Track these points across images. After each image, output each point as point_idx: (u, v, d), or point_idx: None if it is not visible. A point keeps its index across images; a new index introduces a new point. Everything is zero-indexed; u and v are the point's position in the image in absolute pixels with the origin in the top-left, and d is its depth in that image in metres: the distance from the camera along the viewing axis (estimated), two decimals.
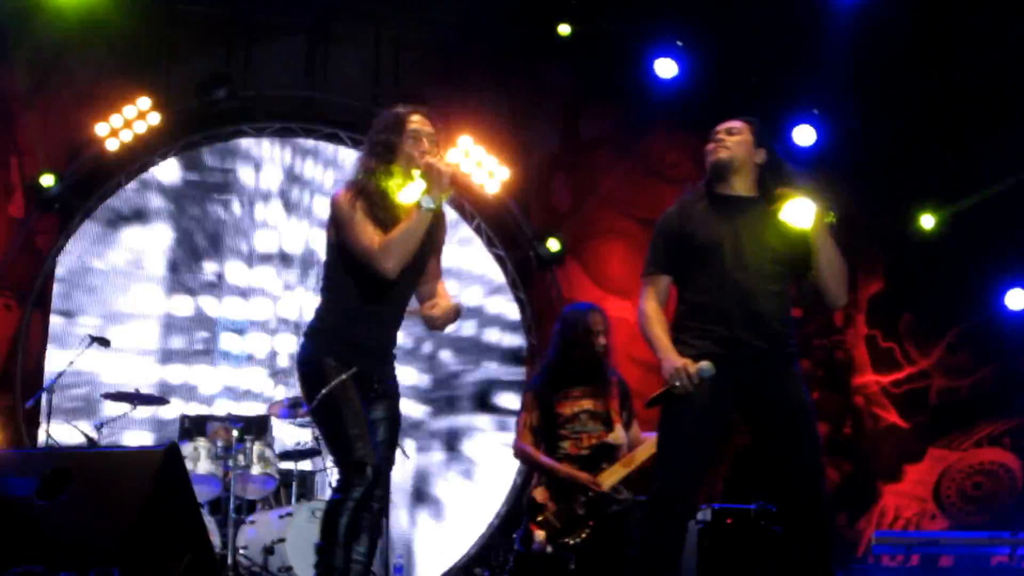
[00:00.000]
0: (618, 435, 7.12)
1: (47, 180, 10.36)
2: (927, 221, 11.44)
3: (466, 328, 11.65)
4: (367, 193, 5.21)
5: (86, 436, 9.47)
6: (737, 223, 5.34)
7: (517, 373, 11.66)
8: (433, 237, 5.35)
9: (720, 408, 5.25)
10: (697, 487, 5.36)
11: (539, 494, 7.05)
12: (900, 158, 11.50)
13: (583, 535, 6.94)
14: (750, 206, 5.39)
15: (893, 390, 11.80)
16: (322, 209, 11.27)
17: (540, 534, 6.93)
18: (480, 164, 11.39)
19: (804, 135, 11.36)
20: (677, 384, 5.09)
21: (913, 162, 11.50)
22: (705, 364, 5.11)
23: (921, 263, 11.68)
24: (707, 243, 5.31)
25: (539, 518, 6.98)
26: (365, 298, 5.24)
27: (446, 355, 11.63)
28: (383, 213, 5.14)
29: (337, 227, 5.22)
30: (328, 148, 11.54)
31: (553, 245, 11.57)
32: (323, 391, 5.12)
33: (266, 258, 11.36)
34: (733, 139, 5.42)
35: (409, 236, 5.09)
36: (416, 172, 5.19)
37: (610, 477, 6.98)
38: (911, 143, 11.45)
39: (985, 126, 11.09)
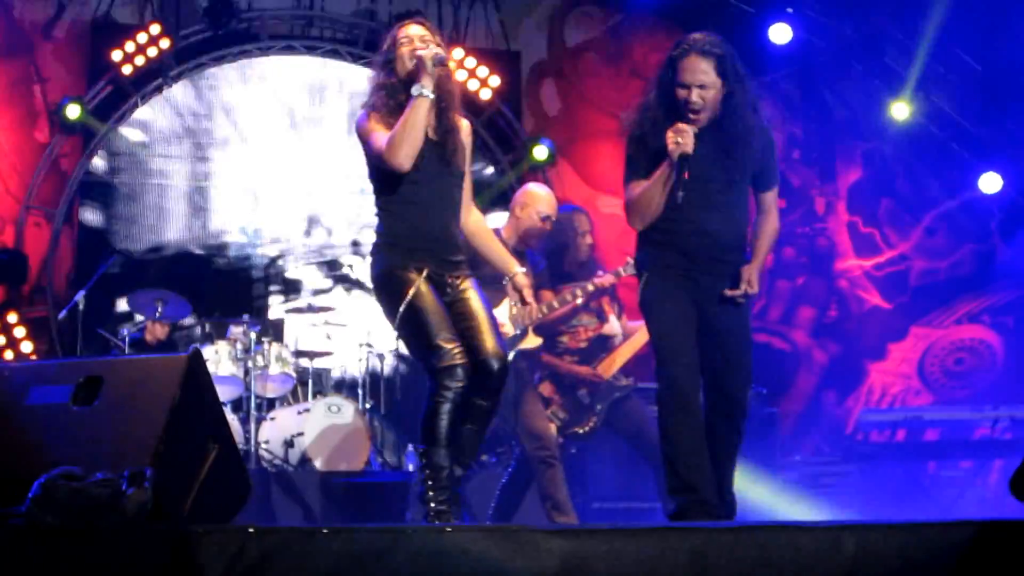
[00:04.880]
0: (613, 326, 7.29)
1: (73, 111, 10.53)
2: (900, 111, 11.59)
3: None
4: (378, 107, 5.33)
5: (115, 344, 9.76)
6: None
7: None
8: (449, 137, 5.42)
9: (690, 307, 5.41)
10: (697, 373, 5.44)
11: (544, 388, 7.20)
12: (872, 51, 11.57)
13: (591, 423, 7.16)
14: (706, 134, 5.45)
15: (875, 273, 11.94)
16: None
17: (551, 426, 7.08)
18: (473, 73, 11.49)
19: (780, 33, 11.45)
20: (679, 141, 5.18)
21: (884, 54, 11.58)
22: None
23: (897, 151, 11.85)
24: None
25: (547, 411, 7.14)
26: (411, 203, 5.33)
27: None
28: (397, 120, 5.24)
29: (364, 146, 5.36)
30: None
31: (540, 153, 11.62)
32: (402, 305, 5.19)
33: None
34: (706, 100, 5.32)
35: (408, 124, 5.15)
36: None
37: (610, 366, 7.16)
38: (882, 37, 11.53)
39: (951, 18, 11.00)
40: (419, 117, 5.19)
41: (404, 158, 5.19)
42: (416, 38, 5.36)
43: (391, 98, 5.35)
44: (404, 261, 5.30)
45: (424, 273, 5.26)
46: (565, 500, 6.82)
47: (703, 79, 5.27)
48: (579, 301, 7.11)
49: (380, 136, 5.26)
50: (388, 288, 5.32)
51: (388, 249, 5.38)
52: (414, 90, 5.18)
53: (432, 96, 5.23)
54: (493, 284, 5.90)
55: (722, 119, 5.38)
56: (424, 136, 5.29)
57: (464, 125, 5.57)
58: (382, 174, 5.36)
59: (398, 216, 5.38)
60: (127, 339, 9.64)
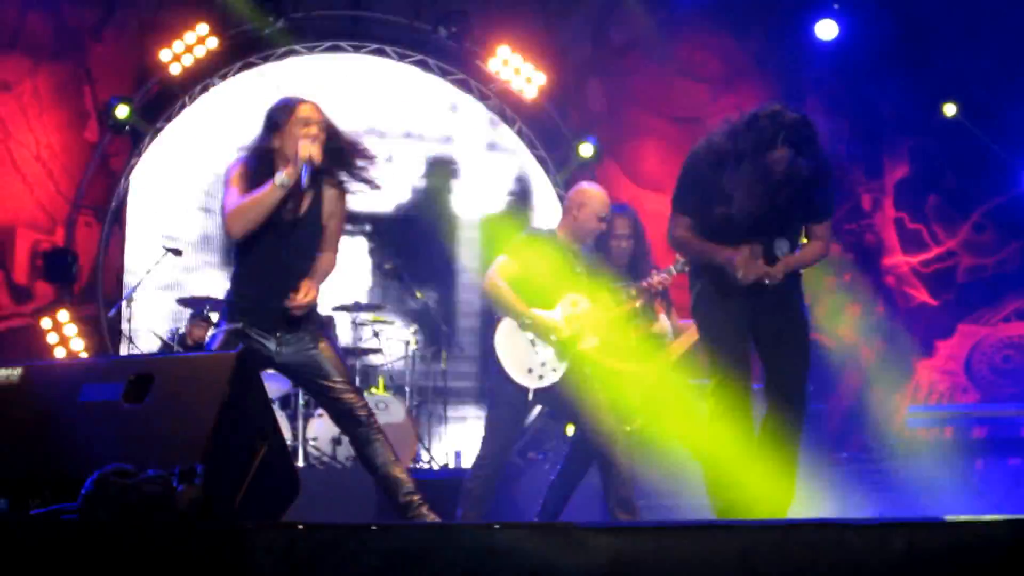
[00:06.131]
0: (662, 325, 7.23)
1: (121, 111, 10.59)
2: (948, 108, 11.56)
3: None
4: (248, 165, 5.44)
5: (164, 342, 9.81)
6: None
7: None
8: (315, 217, 5.52)
9: (741, 313, 5.54)
10: (749, 377, 5.58)
11: None
12: (920, 48, 11.51)
13: (637, 422, 7.09)
14: None
15: (922, 270, 11.90)
16: None
17: None
18: (518, 71, 11.56)
19: (826, 29, 11.45)
20: (742, 270, 5.33)
21: (933, 51, 11.52)
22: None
23: (944, 147, 11.77)
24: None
25: None
26: (245, 264, 5.55)
27: None
28: (260, 183, 5.35)
29: (223, 192, 5.48)
30: None
31: (586, 151, 11.67)
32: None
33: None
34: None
35: (255, 204, 5.29)
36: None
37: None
38: (930, 33, 11.47)
39: (1001, 15, 11.08)
40: (269, 201, 5.32)
41: (239, 230, 5.37)
42: (315, 124, 5.43)
43: (261, 164, 5.44)
44: (229, 316, 5.54)
45: (235, 325, 5.47)
46: (633, 498, 6.81)
47: (784, 168, 5.26)
48: (637, 304, 7.07)
49: (233, 194, 5.39)
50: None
51: (227, 305, 5.63)
52: (277, 178, 5.30)
53: (289, 187, 5.32)
54: None
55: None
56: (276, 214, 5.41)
57: (329, 194, 5.61)
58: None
59: (234, 274, 5.64)
60: (173, 338, 9.71)
